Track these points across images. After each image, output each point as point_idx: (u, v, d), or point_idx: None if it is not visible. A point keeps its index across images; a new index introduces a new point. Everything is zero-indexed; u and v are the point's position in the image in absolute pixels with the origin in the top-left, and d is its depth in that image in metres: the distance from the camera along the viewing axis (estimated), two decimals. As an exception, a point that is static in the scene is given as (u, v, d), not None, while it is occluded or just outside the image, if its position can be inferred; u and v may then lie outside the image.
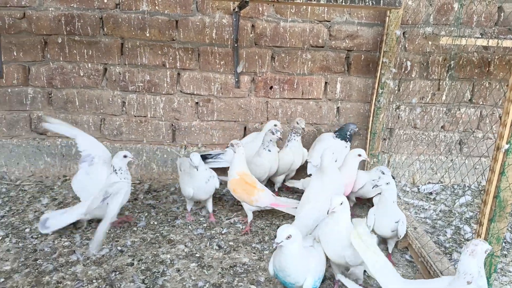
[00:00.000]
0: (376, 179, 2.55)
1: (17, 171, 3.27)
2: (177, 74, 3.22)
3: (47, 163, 3.30)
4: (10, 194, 2.99)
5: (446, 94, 3.33)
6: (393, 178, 3.21)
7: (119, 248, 2.39)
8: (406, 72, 3.25)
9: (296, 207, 2.55)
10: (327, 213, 1.95)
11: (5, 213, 2.73)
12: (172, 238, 2.52)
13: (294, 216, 2.50)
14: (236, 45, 3.12)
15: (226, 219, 2.77)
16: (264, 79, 3.25)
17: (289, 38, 3.17)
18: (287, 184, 3.16)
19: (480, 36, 3.08)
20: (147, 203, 2.94)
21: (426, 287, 1.88)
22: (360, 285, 2.03)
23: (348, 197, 2.72)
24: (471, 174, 3.24)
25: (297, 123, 2.99)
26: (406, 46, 3.22)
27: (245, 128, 3.35)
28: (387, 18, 2.96)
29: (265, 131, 2.95)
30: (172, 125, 3.31)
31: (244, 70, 3.21)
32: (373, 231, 2.35)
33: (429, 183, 3.41)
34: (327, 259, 2.03)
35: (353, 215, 2.27)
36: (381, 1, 2.44)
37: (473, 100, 3.34)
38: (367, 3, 2.40)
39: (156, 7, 3.08)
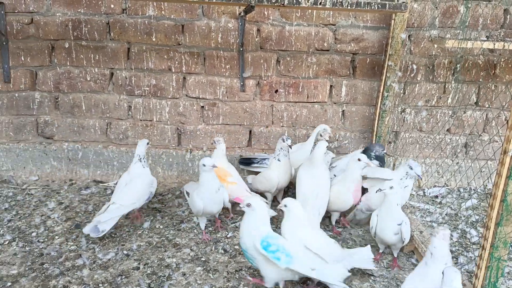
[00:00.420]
0: (404, 176, 2.50)
1: (24, 175, 3.30)
2: (182, 78, 3.23)
3: (54, 167, 3.32)
4: (17, 198, 3.01)
5: (452, 97, 3.32)
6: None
7: (125, 252, 2.40)
8: (411, 75, 3.25)
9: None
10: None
11: (12, 217, 2.75)
12: (177, 242, 2.52)
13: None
14: (241, 49, 3.14)
15: (231, 223, 2.77)
16: (270, 82, 3.26)
17: (295, 42, 3.18)
18: None
19: (486, 39, 3.07)
20: (152, 207, 2.95)
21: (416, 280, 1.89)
22: None
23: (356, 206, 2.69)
24: (477, 177, 3.22)
25: (320, 135, 2.86)
26: (412, 49, 3.22)
27: (250, 131, 3.36)
28: (393, 21, 2.96)
29: (314, 136, 2.96)
30: (178, 129, 3.33)
31: (249, 74, 3.22)
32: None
33: (435, 186, 3.39)
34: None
35: None
36: (387, 5, 2.44)
37: (479, 103, 3.33)
38: (372, 6, 2.41)
39: (162, 12, 3.10)
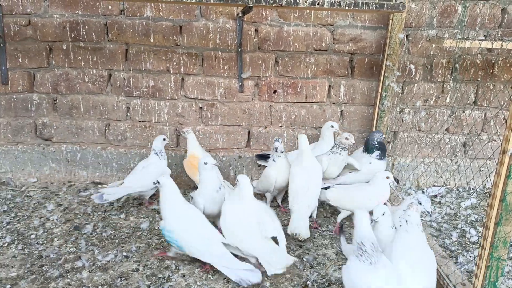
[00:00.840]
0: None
1: (22, 177, 3.29)
2: (181, 79, 3.23)
3: (52, 169, 3.31)
4: (16, 200, 3.00)
5: (450, 97, 3.32)
6: (398, 182, 3.21)
7: (124, 253, 2.39)
8: (410, 75, 3.25)
9: None
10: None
11: (11, 219, 2.74)
12: (177, 243, 2.52)
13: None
14: (239, 49, 3.13)
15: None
16: (268, 83, 3.26)
17: (293, 42, 3.18)
18: None
19: (484, 38, 3.07)
20: (151, 208, 2.94)
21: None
22: None
23: None
24: (476, 176, 3.22)
25: (347, 138, 2.79)
26: (410, 49, 3.22)
27: (249, 132, 3.35)
28: (391, 21, 2.96)
29: (323, 136, 3.04)
30: (177, 129, 3.32)
31: (248, 75, 3.22)
32: None
33: (434, 186, 3.40)
34: None
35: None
36: (385, 5, 2.44)
37: (478, 103, 3.33)
38: (370, 6, 2.41)
39: (160, 13, 3.10)
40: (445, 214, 2.97)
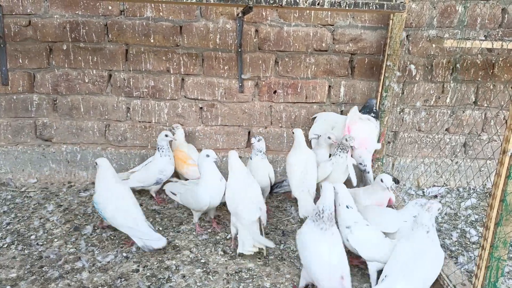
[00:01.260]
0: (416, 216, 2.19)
1: (22, 178, 3.29)
2: (181, 79, 3.23)
3: (52, 170, 3.31)
4: (16, 201, 3.00)
5: (451, 97, 3.32)
6: (398, 182, 3.21)
7: (124, 254, 2.39)
8: (410, 75, 3.25)
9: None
10: None
11: (11, 220, 2.74)
12: (177, 244, 2.52)
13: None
14: (240, 50, 3.13)
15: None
16: (268, 83, 3.26)
17: (293, 43, 3.17)
18: None
19: (484, 39, 3.07)
20: (151, 209, 2.94)
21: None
22: None
23: None
24: (477, 176, 3.22)
25: (346, 140, 2.75)
26: (410, 49, 3.22)
27: (249, 132, 3.35)
28: (391, 21, 2.96)
29: (320, 143, 3.02)
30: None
31: (249, 76, 3.22)
32: None
33: (434, 186, 3.39)
34: None
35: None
36: (385, 5, 2.44)
37: (478, 103, 3.33)
38: (370, 7, 2.40)
39: (160, 13, 3.10)
40: (445, 214, 2.97)
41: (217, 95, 3.26)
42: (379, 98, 3.14)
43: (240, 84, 3.23)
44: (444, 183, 3.40)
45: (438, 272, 1.99)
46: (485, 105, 3.33)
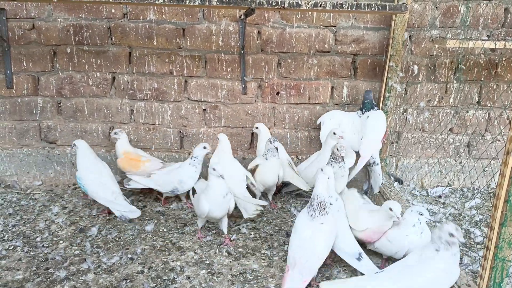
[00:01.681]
0: (417, 223, 2.22)
1: (27, 180, 3.31)
2: (184, 81, 3.24)
3: (57, 172, 3.33)
4: (21, 203, 3.02)
5: (454, 97, 3.31)
6: (402, 182, 3.21)
7: (129, 256, 2.40)
8: (413, 75, 3.25)
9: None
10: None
11: (16, 222, 2.76)
12: (181, 245, 2.53)
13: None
14: (242, 51, 3.14)
15: (235, 225, 2.78)
16: (271, 85, 3.27)
17: (295, 44, 3.18)
18: None
19: (487, 38, 3.07)
20: (156, 210, 2.95)
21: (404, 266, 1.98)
22: None
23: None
24: (481, 177, 3.21)
25: (337, 149, 2.58)
26: (413, 49, 3.22)
27: (252, 134, 3.36)
28: (393, 22, 2.96)
29: (327, 142, 2.95)
30: (180, 132, 3.34)
31: (251, 78, 3.23)
32: None
33: (438, 186, 3.39)
34: None
35: None
36: (387, 6, 2.45)
37: (481, 103, 3.33)
38: (373, 8, 2.41)
39: (163, 16, 3.11)
40: (449, 214, 2.97)
41: (220, 96, 3.27)
42: (382, 98, 3.14)
43: (243, 86, 3.24)
44: (448, 183, 3.39)
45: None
46: (489, 105, 3.32)
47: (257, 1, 2.44)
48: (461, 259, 2.44)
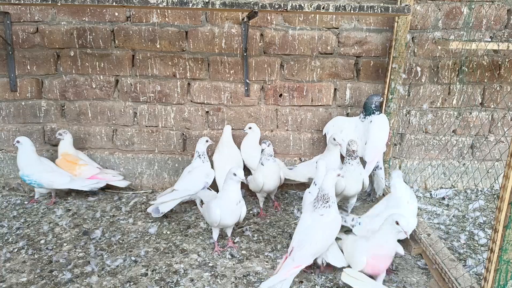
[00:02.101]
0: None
1: (32, 183, 3.32)
2: (187, 84, 3.25)
3: (61, 174, 3.34)
4: (25, 205, 3.03)
5: (457, 98, 3.31)
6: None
7: (133, 258, 2.41)
8: (416, 77, 3.25)
9: (119, 179, 3.20)
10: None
11: (20, 224, 2.77)
12: (185, 248, 2.53)
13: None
14: (245, 54, 3.15)
15: (238, 228, 2.78)
16: (274, 87, 3.27)
17: (298, 46, 3.19)
18: None
19: (490, 40, 3.06)
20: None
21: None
22: None
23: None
24: (484, 178, 3.20)
25: (349, 144, 2.61)
26: (415, 51, 3.22)
27: (255, 136, 3.36)
28: (396, 23, 2.96)
29: (328, 147, 3.00)
30: (183, 134, 3.34)
31: (253, 79, 3.23)
32: None
33: (441, 188, 3.38)
34: None
35: None
36: (390, 8, 2.45)
37: (485, 104, 3.32)
38: (375, 10, 2.41)
39: (166, 19, 3.12)
40: (453, 216, 2.96)
41: (223, 99, 3.28)
42: (385, 100, 3.14)
43: (246, 88, 3.24)
44: (452, 185, 3.38)
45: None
46: (492, 106, 3.31)
47: (260, 4, 2.45)
48: (465, 261, 2.43)
